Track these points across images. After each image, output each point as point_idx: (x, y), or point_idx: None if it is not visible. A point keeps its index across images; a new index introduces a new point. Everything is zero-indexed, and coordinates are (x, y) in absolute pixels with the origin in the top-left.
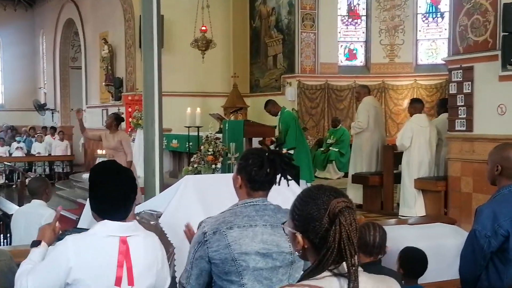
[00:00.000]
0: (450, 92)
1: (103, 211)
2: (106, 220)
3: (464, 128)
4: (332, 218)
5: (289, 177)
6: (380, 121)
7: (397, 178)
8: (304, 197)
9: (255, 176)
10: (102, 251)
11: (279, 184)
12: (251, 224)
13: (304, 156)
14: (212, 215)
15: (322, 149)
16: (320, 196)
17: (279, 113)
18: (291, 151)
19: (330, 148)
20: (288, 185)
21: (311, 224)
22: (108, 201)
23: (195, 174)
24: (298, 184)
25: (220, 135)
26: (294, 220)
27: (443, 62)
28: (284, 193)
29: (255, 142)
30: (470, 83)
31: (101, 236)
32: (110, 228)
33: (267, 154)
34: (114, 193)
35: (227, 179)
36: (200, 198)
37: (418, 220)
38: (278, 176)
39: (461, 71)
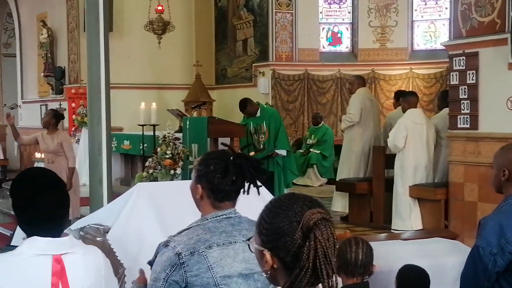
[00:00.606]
0: (451, 82)
1: (30, 227)
2: (35, 237)
3: (468, 126)
4: (306, 232)
5: (259, 184)
6: (375, 116)
7: (389, 185)
8: (273, 208)
9: (219, 185)
10: (31, 273)
11: (247, 193)
12: (231, 241)
13: (292, 157)
14: (174, 232)
15: (301, 151)
16: (292, 207)
17: (259, 111)
18: (283, 153)
19: (311, 149)
20: (259, 194)
21: (282, 240)
22: (35, 216)
23: (150, 181)
24: (272, 191)
25: (180, 135)
26: (261, 235)
27: (443, 48)
28: (254, 203)
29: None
30: (474, 72)
31: (29, 256)
32: (39, 246)
33: (231, 158)
34: (41, 207)
35: (188, 187)
36: (156, 210)
37: (413, 234)
38: (247, 184)
39: (463, 58)
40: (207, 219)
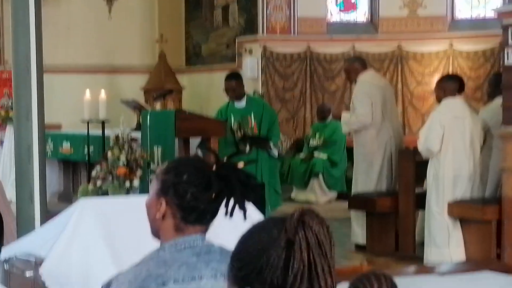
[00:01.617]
0: (506, 62)
1: None
2: None
3: None
4: (292, 233)
5: (246, 205)
6: (392, 109)
7: (421, 201)
8: (245, 235)
9: (192, 202)
10: None
11: (231, 216)
12: (194, 276)
13: (277, 167)
14: (127, 262)
15: (302, 155)
16: (268, 220)
17: (244, 100)
18: (275, 153)
19: (315, 153)
20: (245, 218)
21: (264, 259)
22: None
23: (98, 196)
24: (263, 212)
25: (138, 135)
26: (234, 270)
27: (495, 15)
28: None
29: (195, 145)
30: None
31: None
32: None
33: (215, 168)
34: None
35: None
36: (105, 235)
37: (453, 267)
38: (230, 203)
39: None
40: (164, 250)
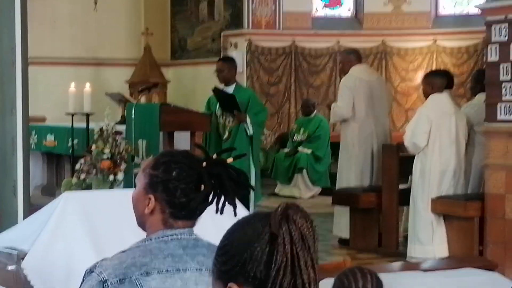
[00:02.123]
0: (489, 59)
1: None
2: None
3: (511, 117)
4: (276, 227)
5: (237, 202)
6: (380, 104)
7: (405, 197)
8: (230, 230)
9: (182, 199)
10: None
11: (221, 213)
12: (179, 268)
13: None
14: (110, 256)
15: (286, 150)
16: (253, 216)
17: (233, 87)
18: (249, 130)
19: (299, 148)
20: (235, 215)
21: (247, 251)
22: None
23: (81, 189)
24: (248, 209)
25: (122, 128)
26: (218, 265)
27: (478, 12)
28: (223, 222)
29: (180, 139)
30: None
31: None
32: None
33: (205, 164)
34: None
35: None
36: (89, 228)
37: (437, 263)
38: (221, 199)
39: (506, 25)
40: (150, 239)
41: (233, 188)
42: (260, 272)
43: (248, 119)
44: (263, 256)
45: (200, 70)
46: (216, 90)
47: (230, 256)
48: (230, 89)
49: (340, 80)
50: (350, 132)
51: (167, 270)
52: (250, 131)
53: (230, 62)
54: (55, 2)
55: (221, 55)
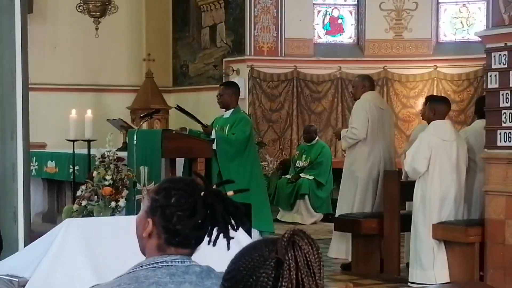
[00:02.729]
0: (489, 86)
1: None
2: None
3: (511, 144)
4: (282, 252)
5: (231, 236)
6: (387, 131)
7: (406, 223)
8: (237, 255)
9: (177, 226)
10: None
11: (214, 245)
12: None
13: (262, 194)
14: (103, 282)
15: (288, 176)
16: (259, 241)
17: (230, 112)
18: (212, 134)
19: (302, 175)
20: (228, 248)
21: (253, 277)
22: None
23: (83, 216)
24: (250, 235)
25: (124, 154)
26: None
27: (478, 39)
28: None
29: (182, 165)
30: None
31: None
32: None
33: (202, 194)
34: None
35: (133, 224)
36: (90, 256)
37: None
38: (214, 232)
39: (505, 52)
40: (141, 266)
41: (226, 220)
42: None
43: (213, 132)
44: (269, 282)
45: (202, 96)
46: (178, 107)
47: (236, 281)
48: (227, 114)
49: (341, 108)
50: (359, 155)
51: None
52: (214, 145)
53: (230, 87)
54: (56, 27)
55: (223, 81)
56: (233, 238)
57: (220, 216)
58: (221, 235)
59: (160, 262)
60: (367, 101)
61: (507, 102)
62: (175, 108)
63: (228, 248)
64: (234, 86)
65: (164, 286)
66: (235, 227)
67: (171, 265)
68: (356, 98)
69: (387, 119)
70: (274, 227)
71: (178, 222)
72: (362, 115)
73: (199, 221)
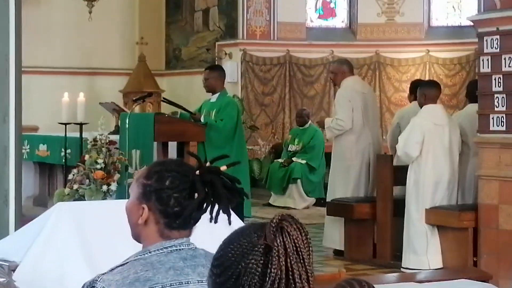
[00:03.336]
0: (481, 70)
1: None
2: None
3: (504, 128)
4: (270, 238)
5: (230, 211)
6: (373, 115)
7: (399, 208)
8: (226, 241)
9: (176, 208)
10: None
11: (215, 221)
12: (182, 281)
13: (245, 175)
14: (105, 269)
15: (280, 160)
16: (249, 226)
17: (217, 96)
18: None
19: (294, 159)
20: (230, 223)
21: (242, 263)
22: None
23: (74, 200)
24: (242, 219)
25: (116, 138)
26: (216, 279)
27: (470, 23)
28: (220, 232)
29: (175, 149)
30: None
31: None
32: None
33: (198, 172)
34: None
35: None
36: (82, 240)
37: (431, 274)
38: (215, 208)
39: (497, 37)
40: (149, 252)
41: (227, 195)
42: (254, 285)
43: (202, 118)
44: (258, 269)
45: (195, 80)
46: (164, 100)
47: (225, 267)
48: (214, 98)
49: (334, 91)
50: (347, 144)
51: (171, 284)
52: (201, 120)
53: (215, 70)
54: (49, 11)
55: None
56: (231, 214)
57: (221, 191)
58: (221, 212)
59: (169, 246)
60: (349, 89)
61: (499, 87)
62: (162, 101)
63: (230, 223)
64: (219, 69)
65: (181, 270)
66: (235, 201)
67: (181, 249)
68: (336, 84)
69: (370, 102)
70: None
71: (176, 204)
72: (345, 105)
73: (200, 199)
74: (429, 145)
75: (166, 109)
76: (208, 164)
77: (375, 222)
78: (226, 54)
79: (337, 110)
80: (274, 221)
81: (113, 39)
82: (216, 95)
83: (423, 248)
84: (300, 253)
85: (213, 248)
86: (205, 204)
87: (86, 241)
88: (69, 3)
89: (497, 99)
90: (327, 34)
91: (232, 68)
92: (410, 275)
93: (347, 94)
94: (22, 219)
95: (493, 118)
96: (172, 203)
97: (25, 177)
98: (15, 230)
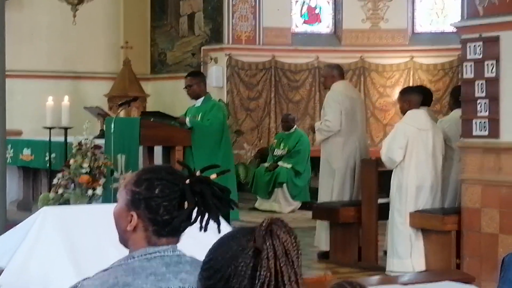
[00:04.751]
0: (464, 76)
1: None
2: None
3: (486, 133)
4: (260, 242)
5: (220, 219)
6: (361, 120)
7: (384, 212)
8: (215, 244)
9: (165, 217)
10: None
11: (205, 230)
12: (161, 287)
13: (232, 181)
14: (89, 274)
15: (266, 165)
16: (238, 230)
17: (201, 100)
18: (187, 121)
19: (280, 163)
20: (219, 231)
21: (231, 266)
22: None
23: (59, 204)
24: (229, 222)
25: (102, 142)
26: (206, 283)
27: (454, 30)
28: (206, 238)
29: (160, 154)
30: (494, 62)
31: None
32: None
33: (188, 181)
34: None
35: (111, 213)
36: (67, 245)
37: (415, 277)
38: (204, 217)
39: (480, 43)
40: (133, 257)
41: (217, 205)
42: (244, 287)
43: (187, 121)
44: (247, 271)
45: (180, 84)
46: (144, 113)
47: (215, 271)
48: (198, 103)
49: (319, 96)
50: (334, 147)
51: None
52: (187, 123)
53: (198, 76)
54: (33, 14)
55: (201, 70)
56: (220, 223)
57: (211, 201)
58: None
59: (153, 252)
60: (338, 92)
61: (482, 92)
62: (141, 118)
63: (219, 231)
64: (201, 75)
65: (162, 276)
66: (224, 210)
67: (165, 256)
68: (326, 87)
69: (359, 108)
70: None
71: (166, 213)
72: (335, 107)
73: (189, 208)
74: (412, 150)
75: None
76: (198, 173)
77: (360, 226)
78: (211, 59)
79: (326, 112)
80: (264, 224)
81: (97, 43)
82: (201, 99)
83: (407, 252)
84: (289, 256)
85: (199, 255)
86: (194, 214)
87: (72, 245)
88: (53, 7)
89: (479, 104)
90: (312, 40)
91: (217, 73)
92: (393, 277)
93: (336, 97)
94: (6, 224)
95: (475, 123)
96: (161, 211)
97: (9, 181)
98: None
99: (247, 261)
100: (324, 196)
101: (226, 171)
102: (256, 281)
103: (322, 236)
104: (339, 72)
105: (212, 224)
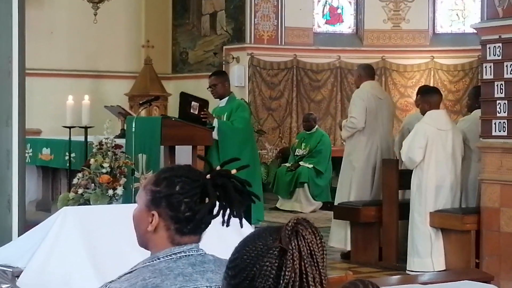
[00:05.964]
0: (484, 76)
1: None
2: None
3: (505, 133)
4: (285, 242)
5: (242, 214)
6: (386, 122)
7: (404, 211)
8: (241, 243)
9: (187, 213)
10: None
11: (227, 225)
12: (190, 287)
13: (258, 177)
14: (112, 275)
15: (287, 165)
16: (264, 229)
17: (226, 100)
18: (215, 123)
19: (301, 163)
20: (242, 226)
21: (257, 266)
22: None
23: (79, 205)
24: (250, 222)
25: (122, 142)
26: (230, 281)
27: (474, 31)
28: (228, 237)
29: (182, 153)
30: None
31: None
32: None
33: (209, 176)
34: None
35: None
36: (87, 245)
37: (435, 276)
38: (226, 211)
39: (500, 45)
40: (158, 258)
41: (239, 199)
42: (268, 287)
43: (215, 121)
44: (272, 271)
45: (201, 83)
46: (183, 94)
47: (240, 269)
48: (223, 103)
49: (340, 96)
50: (357, 145)
51: None
52: (215, 124)
53: (222, 76)
54: (53, 12)
55: (223, 69)
56: (242, 217)
57: (233, 194)
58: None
59: (178, 252)
60: (365, 91)
61: (501, 93)
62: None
63: (241, 226)
64: (224, 74)
65: (190, 276)
66: (246, 203)
67: (190, 255)
68: (357, 86)
69: (385, 109)
70: (264, 215)
71: (187, 209)
72: (360, 104)
73: (211, 203)
74: (432, 150)
75: (174, 111)
76: (218, 167)
77: (381, 226)
78: (233, 58)
79: (351, 109)
80: (290, 224)
81: (118, 42)
82: (225, 99)
83: (427, 251)
84: (314, 257)
85: (221, 253)
86: (216, 208)
87: (92, 246)
88: (74, 5)
89: (499, 105)
90: (334, 40)
91: (239, 72)
92: (413, 277)
93: (362, 95)
94: (26, 225)
95: (495, 123)
96: (183, 208)
97: (28, 181)
98: (19, 236)
99: (272, 261)
100: (342, 193)
101: (245, 166)
102: (281, 281)
103: (338, 234)
104: (366, 72)
105: (232, 222)
